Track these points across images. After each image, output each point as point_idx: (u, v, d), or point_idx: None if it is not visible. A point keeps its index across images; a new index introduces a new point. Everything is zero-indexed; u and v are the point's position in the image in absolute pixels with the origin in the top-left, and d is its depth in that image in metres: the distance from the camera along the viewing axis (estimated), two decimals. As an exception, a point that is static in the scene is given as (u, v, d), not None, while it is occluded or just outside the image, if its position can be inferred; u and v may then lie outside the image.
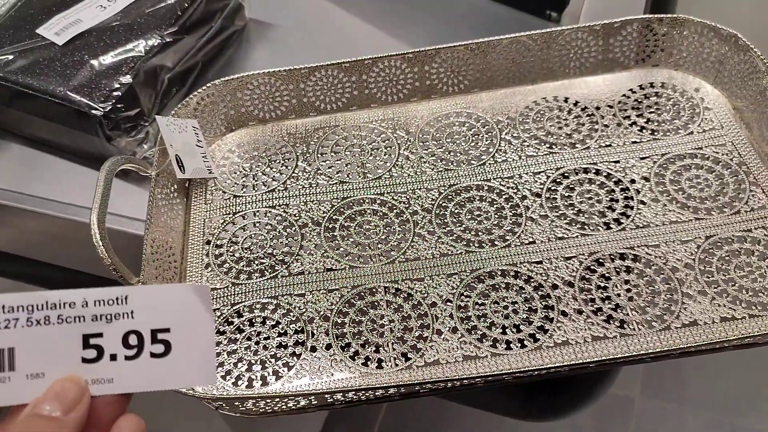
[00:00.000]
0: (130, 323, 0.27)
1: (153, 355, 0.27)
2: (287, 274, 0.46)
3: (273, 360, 0.42)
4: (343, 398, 0.39)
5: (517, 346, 0.41)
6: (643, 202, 0.47)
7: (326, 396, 0.38)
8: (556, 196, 0.48)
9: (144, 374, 0.27)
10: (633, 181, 0.48)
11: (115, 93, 0.52)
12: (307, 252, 0.47)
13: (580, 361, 0.39)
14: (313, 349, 0.42)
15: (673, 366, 0.75)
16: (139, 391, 0.27)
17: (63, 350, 0.26)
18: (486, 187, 0.49)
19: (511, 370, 0.39)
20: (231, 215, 0.49)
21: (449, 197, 0.48)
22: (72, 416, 0.25)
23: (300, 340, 0.43)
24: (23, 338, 0.26)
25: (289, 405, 0.39)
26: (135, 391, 0.27)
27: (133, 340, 0.27)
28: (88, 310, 0.26)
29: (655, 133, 0.50)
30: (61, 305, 0.26)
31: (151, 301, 0.27)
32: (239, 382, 0.41)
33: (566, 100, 0.53)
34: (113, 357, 0.27)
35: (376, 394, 0.39)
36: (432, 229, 0.47)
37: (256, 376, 0.42)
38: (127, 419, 0.27)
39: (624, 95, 0.52)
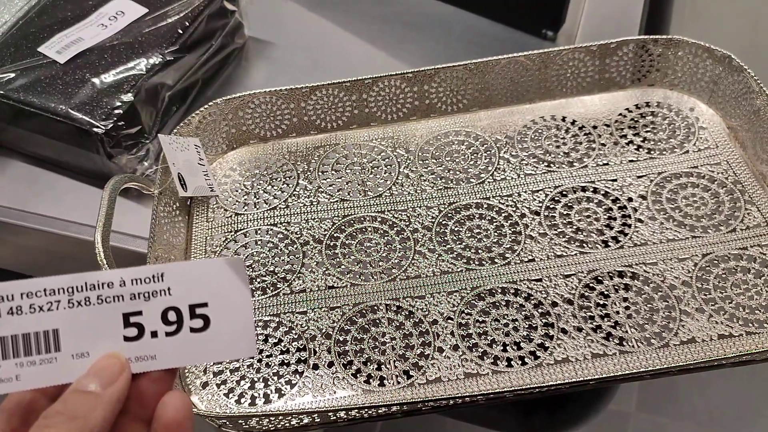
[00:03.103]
0: (168, 300, 0.27)
1: (193, 330, 0.27)
2: (289, 291, 0.46)
3: (275, 378, 0.42)
4: (345, 416, 0.39)
5: (517, 364, 0.42)
6: (640, 221, 0.47)
7: (329, 414, 0.39)
8: (554, 215, 0.48)
9: (185, 349, 0.27)
10: (630, 200, 0.48)
11: (116, 111, 0.52)
12: (309, 270, 0.47)
13: (581, 379, 0.39)
14: (316, 366, 0.43)
15: (669, 381, 0.75)
16: (181, 366, 0.27)
17: (105, 329, 0.27)
18: (485, 205, 0.49)
19: (513, 388, 0.39)
20: (233, 233, 0.50)
21: (449, 215, 0.49)
22: (110, 391, 0.26)
23: (302, 358, 0.43)
24: (66, 319, 0.26)
25: (292, 423, 0.39)
26: (177, 366, 0.27)
27: (172, 316, 0.27)
28: (126, 289, 0.27)
29: (652, 152, 0.51)
30: (100, 285, 0.27)
31: (187, 276, 0.27)
32: (242, 400, 0.42)
33: (563, 119, 0.53)
34: (154, 334, 0.27)
35: (379, 411, 0.39)
36: (432, 247, 0.47)
37: (259, 394, 0.42)
38: (172, 396, 0.27)
39: (620, 114, 0.53)
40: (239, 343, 0.28)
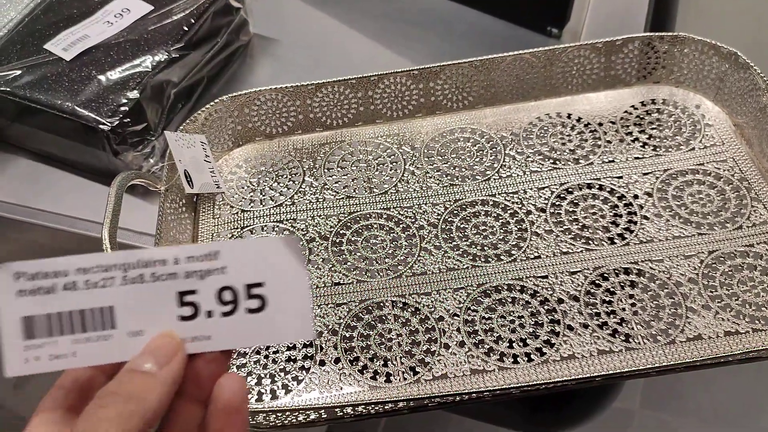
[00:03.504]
0: (224, 279, 0.26)
1: (249, 310, 0.26)
2: (295, 288, 0.46)
3: (282, 374, 0.42)
4: (352, 412, 0.39)
5: (524, 360, 0.42)
6: (646, 218, 0.47)
7: (336, 410, 0.39)
8: (560, 212, 0.48)
9: (241, 330, 0.26)
10: (636, 197, 0.48)
11: (122, 108, 0.52)
12: (315, 266, 0.47)
13: (587, 376, 0.39)
14: (322, 363, 0.43)
15: (673, 378, 0.75)
16: (237, 347, 0.27)
17: (160, 308, 0.26)
18: (491, 202, 0.49)
19: (519, 385, 0.39)
20: (239, 230, 0.50)
21: (455, 212, 0.49)
22: (166, 371, 0.25)
23: (309, 354, 0.43)
24: (121, 297, 0.26)
25: (299, 419, 0.40)
26: (233, 347, 0.27)
27: (227, 296, 0.26)
28: (180, 267, 0.26)
29: (657, 149, 0.51)
30: (154, 263, 0.26)
31: (243, 255, 0.27)
32: (249, 396, 0.42)
33: (569, 116, 0.53)
34: (209, 314, 0.26)
35: (386, 408, 0.39)
36: (438, 244, 0.47)
37: (266, 390, 0.42)
38: (229, 378, 0.26)
39: (626, 111, 0.53)
40: (296, 325, 0.27)
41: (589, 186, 0.49)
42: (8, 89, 0.53)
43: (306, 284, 0.27)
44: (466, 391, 0.39)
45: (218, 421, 0.25)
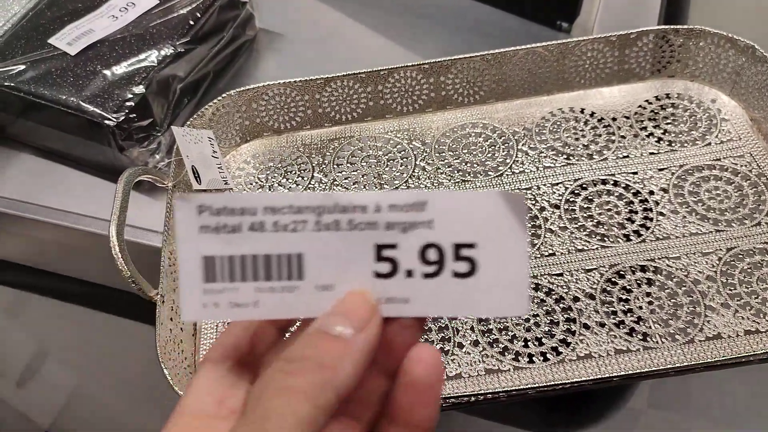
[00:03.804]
0: (430, 234, 0.23)
1: (455, 274, 0.23)
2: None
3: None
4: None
5: (539, 360, 0.41)
6: (662, 214, 0.46)
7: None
8: (574, 208, 0.47)
9: (444, 296, 0.23)
10: (652, 193, 0.47)
11: (127, 103, 0.51)
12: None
13: (606, 376, 0.39)
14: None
15: (682, 377, 0.74)
16: (438, 316, 0.23)
17: (354, 261, 0.23)
18: (504, 199, 0.48)
19: (535, 385, 0.38)
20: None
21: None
22: (362, 338, 0.21)
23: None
24: (312, 244, 0.23)
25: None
26: (434, 315, 0.23)
27: (432, 254, 0.23)
28: (381, 216, 0.23)
29: (673, 144, 0.50)
30: (352, 209, 0.23)
31: (455, 209, 0.23)
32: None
33: (582, 111, 0.53)
34: (409, 273, 0.23)
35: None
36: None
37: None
38: (423, 350, 0.22)
39: (640, 106, 0.52)
40: (508, 297, 0.23)
41: (604, 182, 0.48)
42: (12, 84, 0.53)
43: (525, 251, 0.23)
44: (482, 391, 0.38)
45: (407, 397, 0.22)
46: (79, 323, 0.64)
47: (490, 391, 0.38)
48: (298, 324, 0.25)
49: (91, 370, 0.71)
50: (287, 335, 0.25)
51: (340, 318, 0.22)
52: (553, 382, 0.39)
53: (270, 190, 0.51)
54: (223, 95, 0.51)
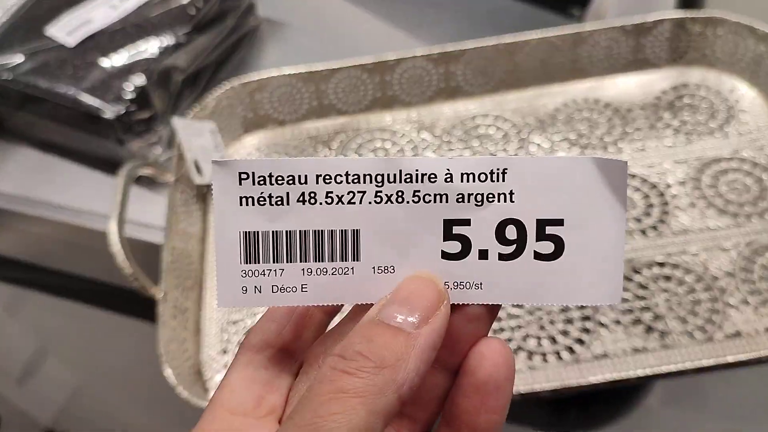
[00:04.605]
0: (509, 209, 0.20)
1: (538, 255, 0.20)
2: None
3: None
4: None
5: (554, 359, 0.40)
6: (680, 208, 0.45)
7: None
8: (589, 202, 0.46)
9: (523, 281, 0.20)
10: (669, 186, 0.46)
11: (127, 95, 0.50)
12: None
13: (622, 377, 0.37)
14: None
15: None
16: (517, 303, 0.20)
17: (419, 239, 0.20)
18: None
19: (550, 387, 0.37)
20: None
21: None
22: (427, 332, 0.18)
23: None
24: (371, 219, 0.20)
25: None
26: (512, 302, 0.20)
27: (511, 232, 0.20)
28: (452, 187, 0.19)
29: (690, 136, 0.48)
30: (419, 178, 0.19)
31: (540, 179, 0.19)
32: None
33: (596, 101, 0.51)
34: (483, 254, 0.20)
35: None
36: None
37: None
38: (491, 345, 0.19)
39: (656, 96, 0.51)
40: (600, 284, 0.20)
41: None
42: (11, 77, 0.51)
43: (623, 230, 0.20)
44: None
45: (472, 399, 0.19)
46: (80, 320, 0.63)
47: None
48: (347, 309, 0.22)
49: (92, 368, 0.70)
50: (336, 322, 0.22)
51: (402, 306, 0.19)
52: (568, 384, 0.37)
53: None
54: (226, 86, 0.50)
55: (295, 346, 0.21)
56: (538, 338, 0.40)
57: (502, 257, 0.20)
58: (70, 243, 0.51)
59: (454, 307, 0.20)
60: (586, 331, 0.40)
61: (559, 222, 0.20)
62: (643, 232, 0.44)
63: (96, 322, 0.62)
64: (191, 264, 0.44)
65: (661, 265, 0.43)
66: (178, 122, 0.46)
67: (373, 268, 0.20)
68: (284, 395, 0.20)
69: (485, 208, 0.20)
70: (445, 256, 0.20)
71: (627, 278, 0.42)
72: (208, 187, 0.49)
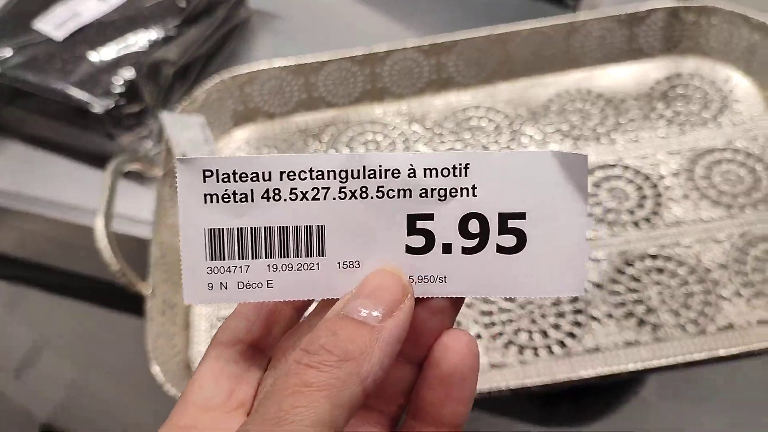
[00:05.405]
0: (472, 203, 0.20)
1: (500, 249, 0.20)
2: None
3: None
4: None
5: (545, 353, 0.39)
6: (673, 199, 0.45)
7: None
8: (581, 194, 0.45)
9: (486, 274, 0.20)
10: (662, 177, 0.46)
11: (117, 89, 0.50)
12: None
13: (614, 371, 0.37)
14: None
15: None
16: (480, 296, 0.20)
17: (384, 234, 0.20)
18: (508, 185, 0.46)
19: (541, 383, 0.37)
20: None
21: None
22: (391, 325, 0.18)
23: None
24: (335, 214, 0.20)
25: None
26: (475, 295, 0.20)
27: (474, 226, 0.20)
28: (416, 182, 0.20)
29: (684, 126, 0.48)
30: (382, 174, 0.20)
31: (502, 173, 0.20)
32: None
33: (589, 92, 0.50)
34: (446, 248, 0.20)
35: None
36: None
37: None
38: (456, 336, 0.20)
39: (650, 86, 0.50)
40: (563, 276, 0.20)
41: (612, 166, 0.47)
42: (-1, 71, 0.51)
43: (585, 222, 0.20)
44: (485, 389, 0.36)
45: (436, 392, 0.20)
46: (75, 317, 0.63)
47: (494, 388, 0.36)
48: (315, 304, 0.22)
49: (88, 364, 0.70)
50: (305, 316, 0.22)
51: (367, 300, 0.19)
52: (559, 379, 0.37)
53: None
54: (215, 79, 0.50)
55: (265, 342, 0.21)
56: (530, 332, 0.40)
57: (465, 251, 0.20)
58: (61, 239, 0.51)
59: (419, 301, 0.20)
60: (578, 324, 0.40)
61: (522, 216, 0.20)
62: (636, 224, 0.44)
63: (91, 319, 0.62)
64: (180, 259, 0.44)
65: (654, 257, 0.42)
66: (166, 116, 0.45)
67: (339, 263, 0.20)
68: (254, 389, 0.20)
69: (448, 202, 0.20)
70: (410, 250, 0.20)
71: (619, 271, 0.42)
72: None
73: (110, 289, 0.54)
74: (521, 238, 0.20)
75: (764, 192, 0.44)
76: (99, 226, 0.38)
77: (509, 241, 0.20)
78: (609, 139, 0.48)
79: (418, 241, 0.20)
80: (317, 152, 0.20)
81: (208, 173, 0.20)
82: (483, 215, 0.20)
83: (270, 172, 0.20)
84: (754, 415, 0.64)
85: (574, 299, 0.41)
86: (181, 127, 0.46)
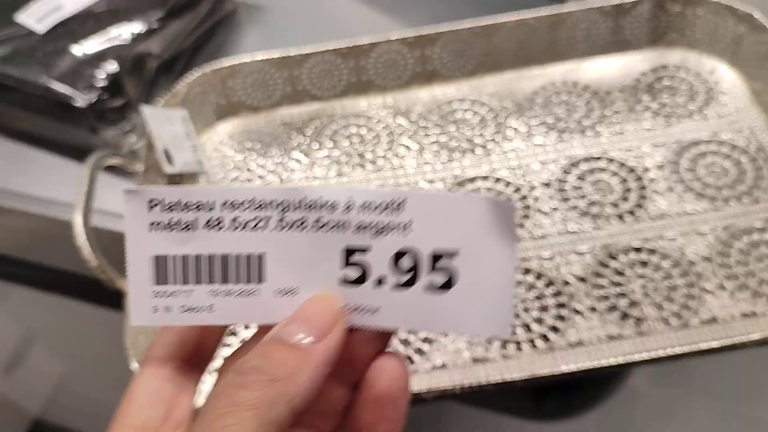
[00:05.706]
0: (406, 240, 0.21)
1: (431, 285, 0.21)
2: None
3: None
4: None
5: (528, 347, 0.39)
6: (657, 192, 0.44)
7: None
8: (566, 187, 0.45)
9: (416, 309, 0.21)
10: (647, 170, 0.45)
11: (99, 82, 0.49)
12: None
13: (596, 365, 0.37)
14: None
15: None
16: (407, 329, 0.22)
17: (320, 264, 0.21)
18: (493, 178, 0.46)
19: (524, 377, 0.37)
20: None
21: (454, 189, 0.46)
22: (321, 348, 0.20)
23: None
24: (274, 244, 0.21)
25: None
26: (404, 328, 0.22)
27: (406, 262, 0.21)
28: (352, 216, 0.21)
29: (669, 119, 0.48)
30: (320, 206, 0.21)
31: (437, 212, 0.21)
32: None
33: (575, 84, 0.50)
34: (379, 281, 0.21)
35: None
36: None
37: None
38: (388, 360, 0.21)
39: (636, 78, 0.50)
40: (489, 316, 0.21)
41: (597, 159, 0.46)
42: (-22, 65, 0.50)
43: (513, 265, 0.21)
44: (467, 384, 0.36)
45: (370, 412, 0.21)
46: (62, 312, 0.63)
47: (476, 383, 0.36)
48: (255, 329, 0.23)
49: (77, 359, 0.69)
50: (243, 341, 0.24)
51: (300, 325, 0.20)
52: (541, 373, 0.37)
53: (249, 171, 0.49)
54: (197, 72, 0.49)
55: (199, 357, 0.22)
56: (512, 326, 0.40)
57: (397, 285, 0.21)
58: (44, 234, 0.51)
59: (353, 330, 0.21)
60: (561, 318, 0.40)
61: (454, 254, 0.21)
62: (620, 217, 0.44)
63: (77, 314, 0.62)
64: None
65: (638, 250, 0.42)
66: (147, 110, 0.45)
67: (277, 290, 0.21)
68: (189, 408, 0.21)
69: (383, 237, 0.21)
70: (344, 281, 0.21)
71: (603, 264, 0.42)
72: (180, 176, 0.48)
73: (95, 284, 0.53)
74: (452, 276, 0.21)
75: (749, 184, 0.44)
76: (77, 221, 0.38)
77: (440, 278, 0.21)
78: (594, 132, 0.48)
79: (353, 272, 0.21)
80: (262, 183, 0.22)
81: (153, 203, 0.21)
82: (416, 252, 0.21)
83: (214, 201, 0.21)
84: (745, 403, 0.64)
85: (557, 293, 0.41)
86: (163, 121, 0.46)
